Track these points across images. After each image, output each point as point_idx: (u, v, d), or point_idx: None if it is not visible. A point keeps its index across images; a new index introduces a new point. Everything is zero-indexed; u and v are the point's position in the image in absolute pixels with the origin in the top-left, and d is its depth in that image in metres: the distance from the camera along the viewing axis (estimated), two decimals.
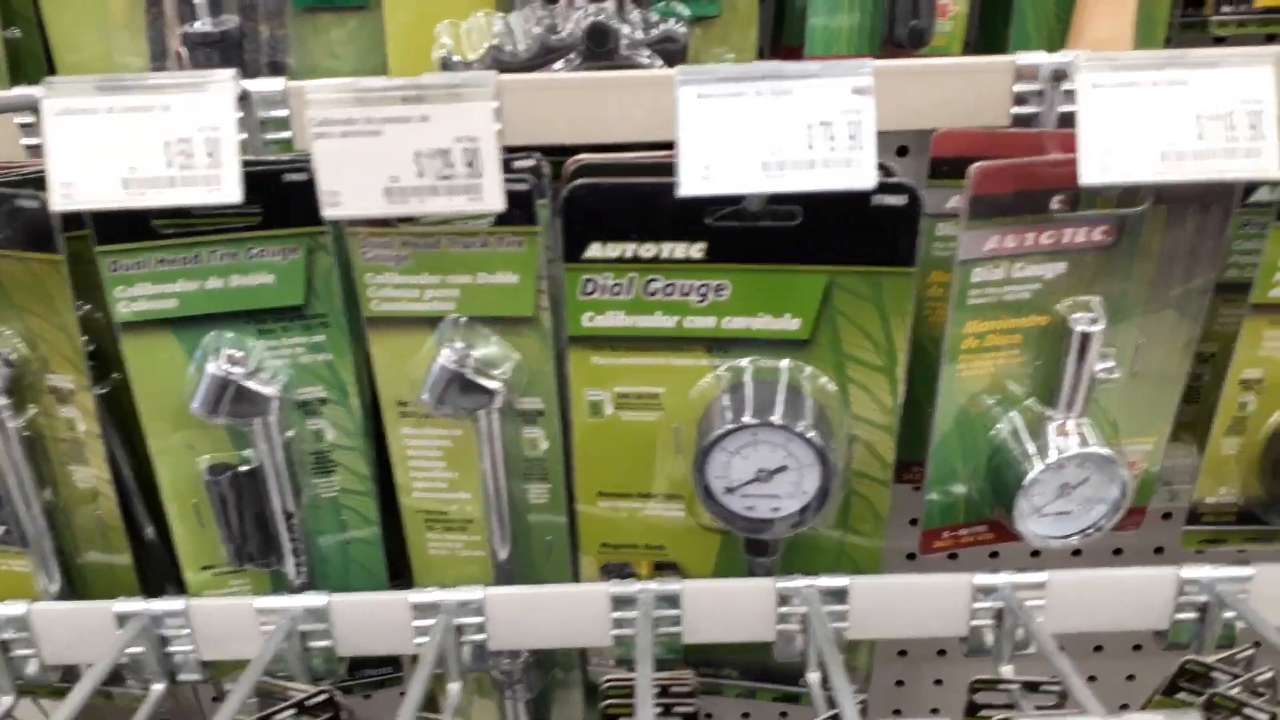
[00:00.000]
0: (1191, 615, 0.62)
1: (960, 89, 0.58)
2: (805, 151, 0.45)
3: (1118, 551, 0.88)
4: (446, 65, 0.64)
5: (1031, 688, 0.61)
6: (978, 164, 0.52)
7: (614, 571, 0.65)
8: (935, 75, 0.58)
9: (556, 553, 0.65)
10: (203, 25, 0.66)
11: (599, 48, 0.62)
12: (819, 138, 0.45)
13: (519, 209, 0.54)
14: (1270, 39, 0.85)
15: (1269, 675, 0.60)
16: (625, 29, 0.63)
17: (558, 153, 0.58)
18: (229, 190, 0.47)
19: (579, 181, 0.53)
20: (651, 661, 0.61)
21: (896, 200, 0.53)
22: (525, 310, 0.57)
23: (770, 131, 0.45)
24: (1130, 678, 0.99)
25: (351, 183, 0.47)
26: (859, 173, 0.45)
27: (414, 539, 0.65)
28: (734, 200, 0.54)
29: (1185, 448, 0.67)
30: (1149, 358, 0.59)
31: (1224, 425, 0.60)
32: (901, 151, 0.75)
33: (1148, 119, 0.45)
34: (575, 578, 0.66)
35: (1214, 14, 0.75)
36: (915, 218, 0.53)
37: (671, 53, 0.64)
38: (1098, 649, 0.98)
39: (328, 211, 0.49)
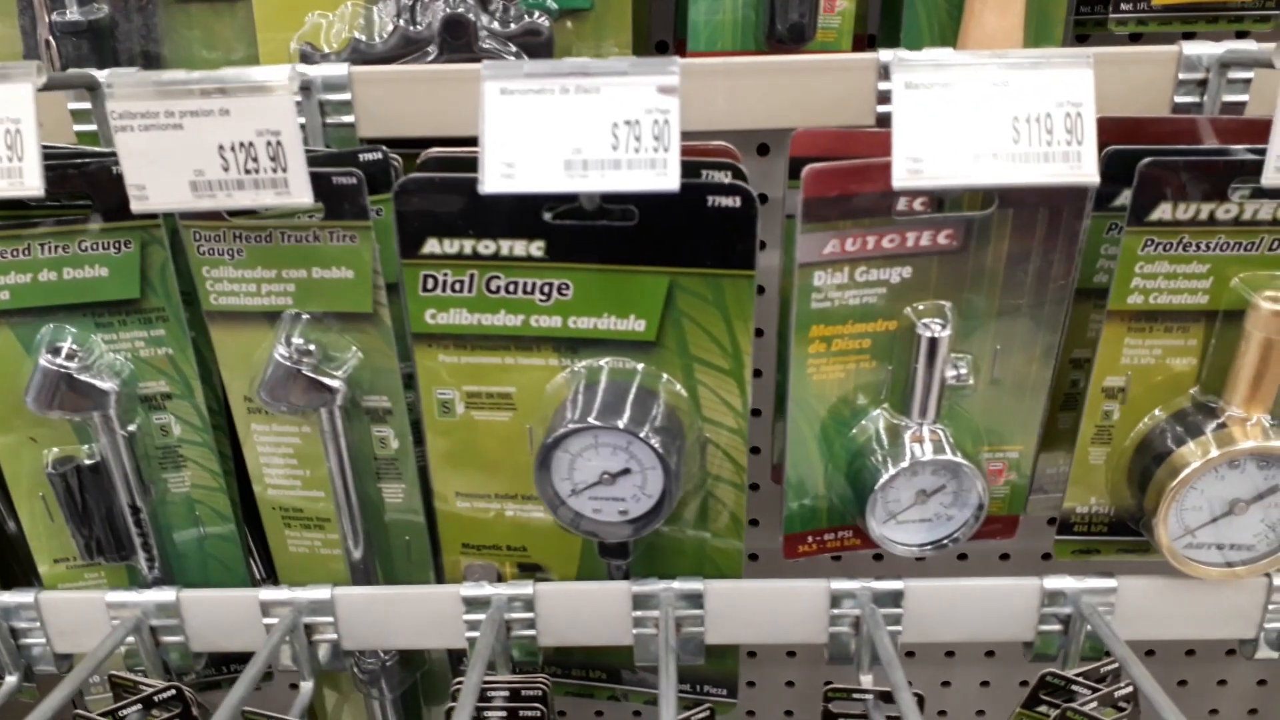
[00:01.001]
0: (1056, 627, 0.61)
1: (821, 87, 0.57)
2: (609, 151, 0.44)
3: (1004, 557, 0.87)
4: (305, 57, 0.63)
5: (886, 698, 0.60)
6: (809, 166, 0.51)
7: (476, 573, 0.65)
8: (792, 73, 0.57)
9: (416, 553, 0.64)
10: (72, 14, 0.66)
11: (456, 40, 0.61)
12: (624, 137, 0.44)
13: (348, 203, 0.53)
14: (1187, 36, 0.83)
15: (1129, 690, 0.59)
16: (486, 22, 0.62)
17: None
18: (31, 182, 0.46)
19: (409, 176, 0.52)
20: (499, 663, 0.61)
21: (731, 202, 0.51)
22: (363, 306, 0.56)
23: (575, 130, 0.44)
24: (984, 683, 0.99)
25: (157, 176, 0.46)
26: (663, 174, 0.44)
27: (273, 536, 0.64)
28: (571, 198, 0.53)
29: (1064, 456, 0.66)
30: (1008, 364, 0.58)
31: (1089, 434, 0.59)
32: (762, 150, 0.74)
33: (964, 121, 0.44)
34: (439, 578, 0.65)
35: (1113, 11, 0.74)
36: (751, 220, 0.52)
37: (535, 46, 0.63)
38: (949, 654, 0.98)
39: (135, 205, 0.48)
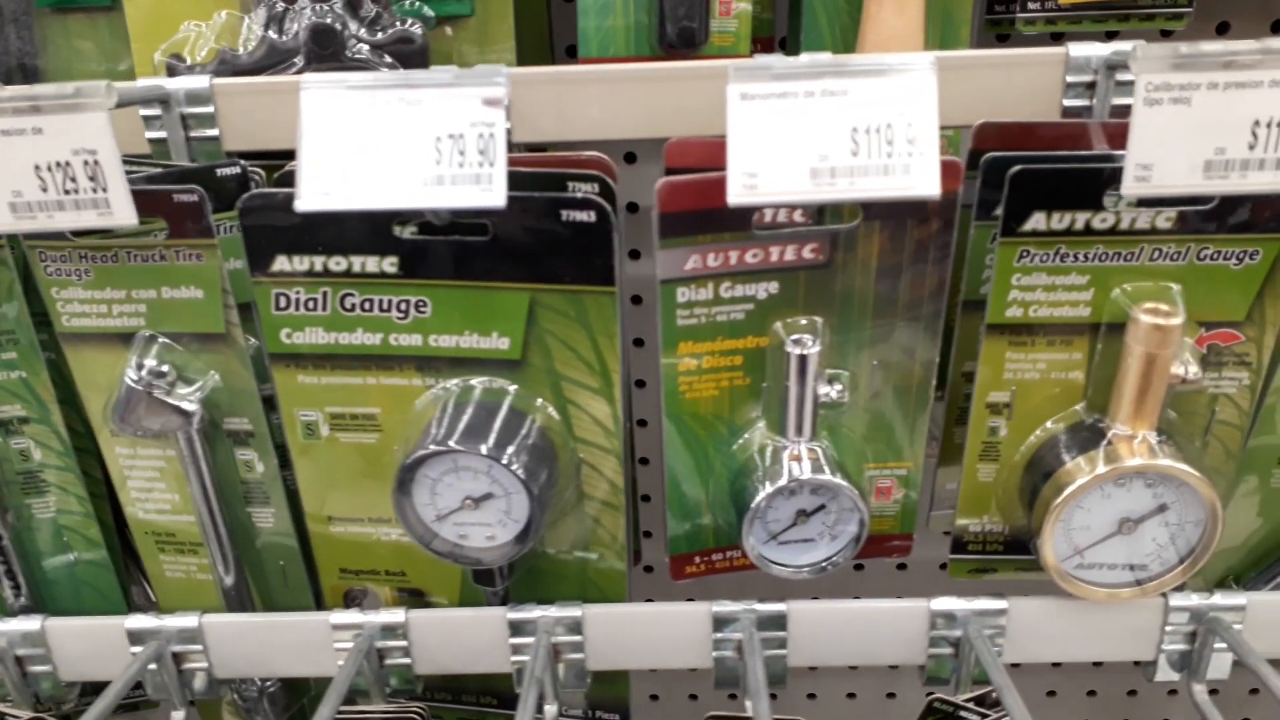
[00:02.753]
0: (947, 650, 0.59)
1: (686, 94, 0.55)
2: (433, 167, 0.42)
3: (943, 566, 0.85)
4: (171, 69, 0.61)
5: None
6: (664, 180, 0.49)
7: (355, 598, 0.63)
8: (644, 81, 0.55)
9: (293, 578, 0.62)
10: None
11: (323, 50, 0.59)
12: (447, 152, 0.42)
13: (191, 221, 0.51)
14: (1110, 35, 0.82)
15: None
16: (356, 30, 0.60)
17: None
18: None
19: (253, 192, 0.50)
20: (373, 692, 0.59)
21: (586, 216, 0.50)
22: (215, 326, 0.54)
23: (397, 145, 0.42)
24: (891, 695, 0.97)
25: None
26: (488, 190, 0.42)
27: (149, 560, 0.63)
28: (421, 212, 0.51)
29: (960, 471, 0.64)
30: (888, 380, 0.56)
31: (976, 451, 0.57)
32: (629, 159, 0.72)
33: (800, 133, 0.42)
34: (319, 604, 0.64)
35: (1020, 11, 0.72)
36: (608, 235, 0.50)
37: (408, 54, 0.61)
38: (853, 668, 0.96)
39: None
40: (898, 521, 0.61)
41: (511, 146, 0.57)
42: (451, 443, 0.52)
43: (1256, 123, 0.43)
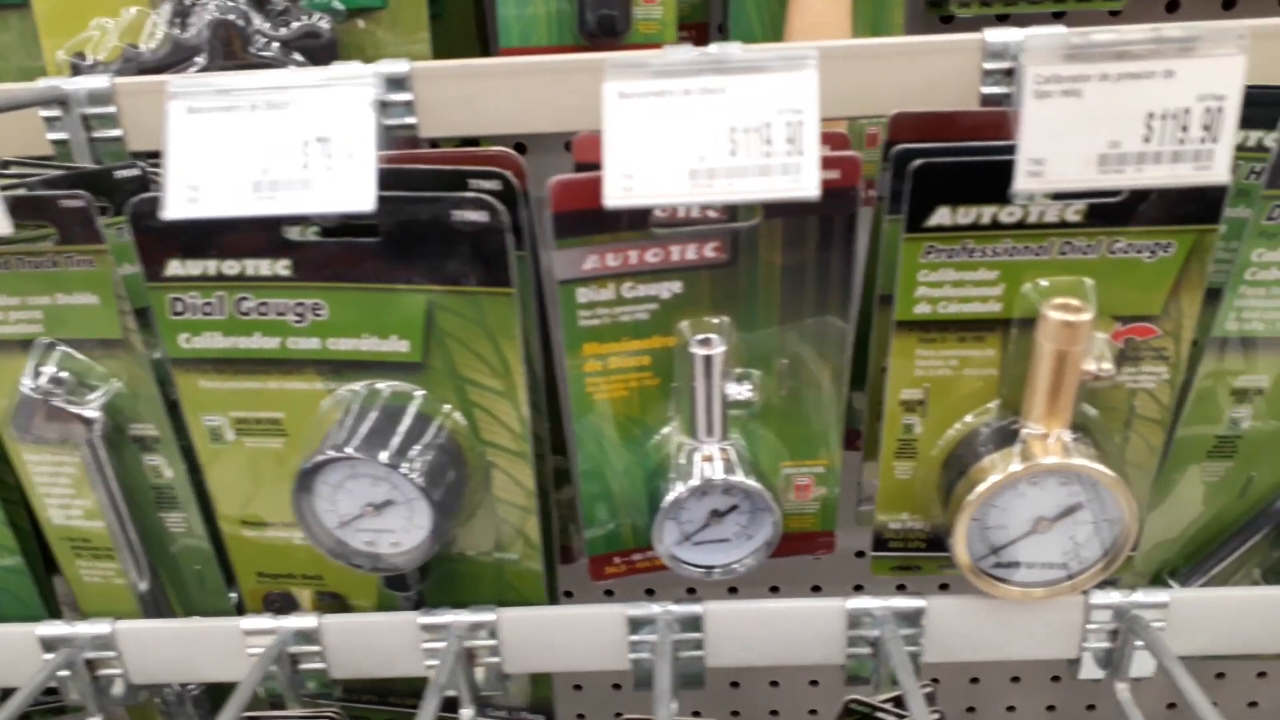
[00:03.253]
0: (866, 650, 0.58)
1: (587, 87, 0.53)
2: (300, 170, 0.41)
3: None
4: (76, 68, 0.60)
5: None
6: (555, 178, 0.48)
7: (274, 602, 0.62)
8: (551, 73, 0.53)
9: (210, 582, 0.62)
10: None
11: (226, 46, 0.58)
12: (315, 154, 0.41)
13: (79, 226, 0.50)
14: (1058, 16, 0.80)
15: (936, 717, 0.56)
16: (260, 25, 0.59)
17: None
18: None
19: (141, 196, 0.49)
20: (288, 696, 0.59)
21: (479, 216, 0.48)
22: (113, 332, 0.53)
23: (262, 148, 0.41)
24: (813, 712, 0.97)
25: None
26: (355, 192, 0.41)
27: (66, 566, 0.62)
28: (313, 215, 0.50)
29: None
30: (799, 378, 0.55)
31: (892, 449, 0.56)
32: (520, 148, 0.70)
33: (679, 132, 0.41)
34: (240, 609, 0.63)
35: None
36: (502, 235, 0.49)
37: (315, 49, 0.60)
38: (774, 684, 0.96)
39: None
40: (818, 519, 0.60)
41: (418, 143, 0.57)
42: (349, 449, 0.51)
43: (1151, 114, 0.41)
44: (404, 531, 0.54)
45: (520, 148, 0.80)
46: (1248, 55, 0.40)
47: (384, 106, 0.54)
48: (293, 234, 0.50)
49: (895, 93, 0.53)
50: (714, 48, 0.41)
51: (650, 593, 0.58)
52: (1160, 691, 1.08)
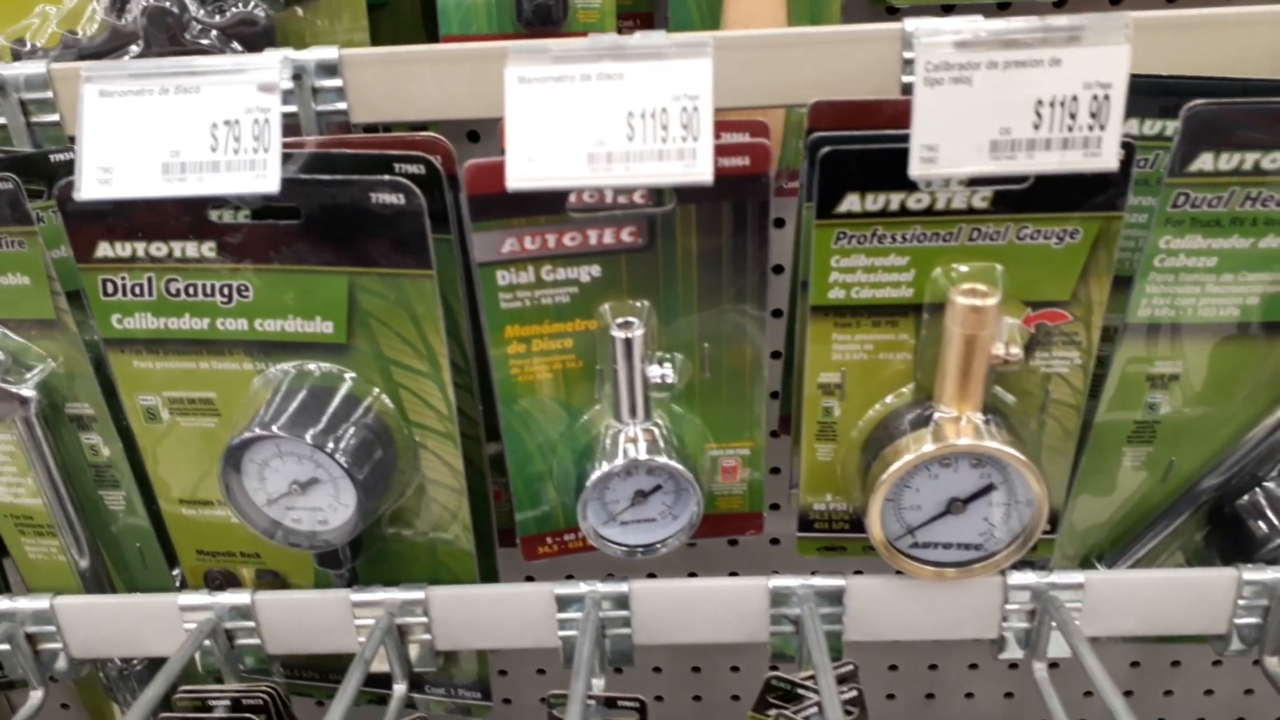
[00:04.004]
0: (789, 628, 0.59)
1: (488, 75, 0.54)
2: (208, 153, 0.42)
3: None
4: (16, 55, 0.61)
5: (610, 704, 0.58)
6: (470, 162, 0.49)
7: (215, 580, 0.63)
8: (479, 60, 0.54)
9: (150, 559, 0.63)
10: None
11: (161, 33, 0.59)
12: (224, 138, 0.42)
13: (9, 209, 0.51)
14: (1003, 7, 0.80)
15: (853, 694, 0.57)
16: (196, 12, 0.60)
17: None
18: None
19: (66, 180, 0.50)
20: (225, 672, 0.60)
21: (395, 199, 0.49)
22: (45, 312, 0.54)
23: (173, 132, 0.42)
24: (735, 698, 0.99)
25: None
26: (262, 176, 0.42)
27: (10, 543, 0.63)
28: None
29: None
30: (721, 361, 0.56)
31: (812, 431, 0.57)
32: (473, 137, 0.71)
33: (577, 117, 0.42)
34: (183, 587, 0.64)
35: None
36: (420, 218, 0.50)
37: (251, 36, 0.61)
38: (696, 669, 0.97)
39: None
40: (746, 500, 0.61)
41: (348, 128, 0.58)
42: (274, 428, 0.52)
43: (1040, 102, 0.42)
44: (330, 509, 0.55)
45: (475, 135, 0.81)
46: (1132, 44, 0.41)
47: (315, 93, 0.55)
48: (217, 216, 0.51)
49: (818, 82, 0.54)
50: (608, 37, 0.42)
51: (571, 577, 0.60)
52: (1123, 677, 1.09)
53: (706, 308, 0.54)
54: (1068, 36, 0.41)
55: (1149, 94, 0.51)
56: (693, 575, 1.00)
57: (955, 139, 0.42)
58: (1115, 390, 0.56)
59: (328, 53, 0.54)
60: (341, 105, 0.56)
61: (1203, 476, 0.59)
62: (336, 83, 0.55)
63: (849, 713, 0.57)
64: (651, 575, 0.66)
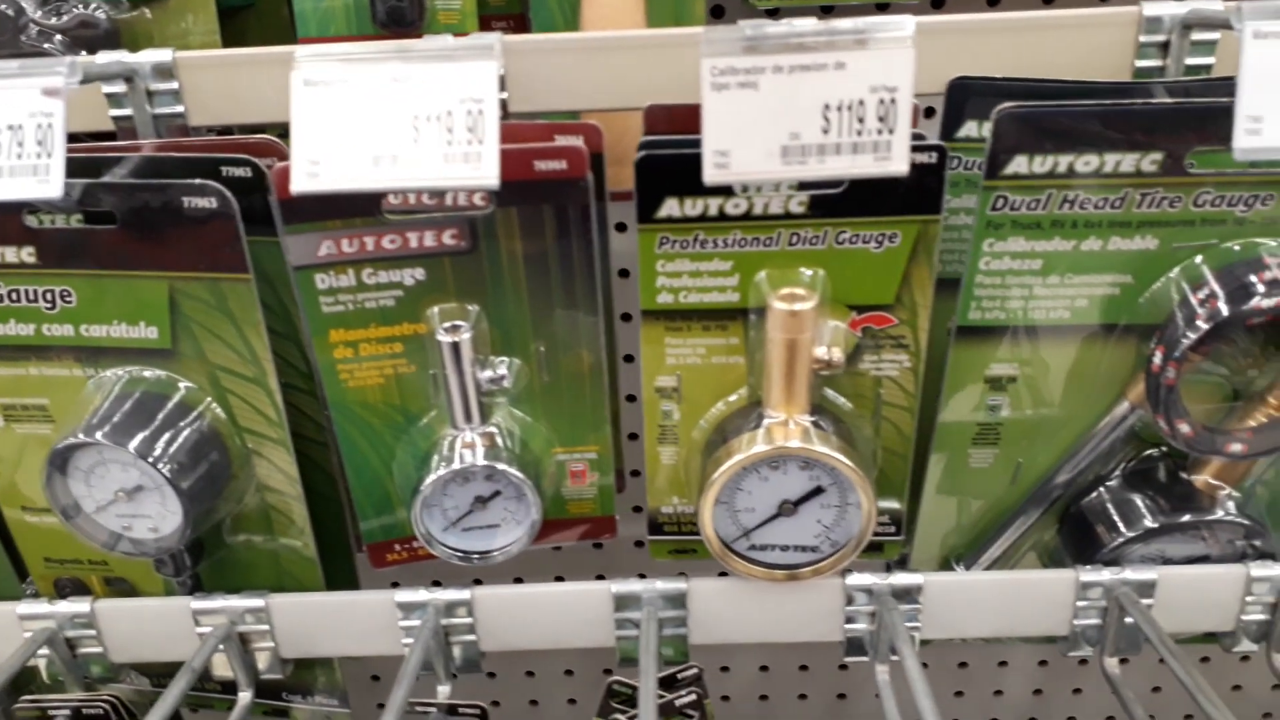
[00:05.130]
0: (633, 632, 0.59)
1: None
2: None
3: None
4: None
5: (451, 710, 0.58)
6: (277, 165, 0.48)
7: (64, 588, 0.63)
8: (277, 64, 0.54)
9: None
10: None
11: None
12: (8, 143, 0.42)
13: None
14: (881, 8, 0.81)
15: (692, 698, 0.57)
16: (34, 14, 0.59)
17: None
18: None
19: None
20: (68, 681, 0.59)
21: (208, 203, 0.49)
22: None
23: None
24: (572, 701, 0.99)
25: None
26: (45, 182, 0.41)
27: None
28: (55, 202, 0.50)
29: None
30: (558, 365, 0.55)
31: (654, 435, 0.57)
32: None
33: (363, 120, 0.41)
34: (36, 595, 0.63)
35: None
36: (233, 220, 0.49)
37: (92, 39, 0.60)
38: (529, 673, 0.98)
39: None
40: (597, 504, 0.61)
41: (186, 130, 0.57)
42: (98, 435, 0.52)
43: (827, 106, 0.42)
44: (160, 517, 0.54)
45: None
46: (916, 48, 0.41)
47: (150, 95, 0.55)
48: (36, 221, 0.51)
49: (653, 84, 0.54)
50: (396, 41, 0.42)
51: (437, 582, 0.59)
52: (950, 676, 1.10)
53: (538, 311, 0.53)
54: (854, 40, 0.41)
55: (987, 96, 0.51)
56: (600, 578, 1.01)
57: (746, 144, 0.42)
58: (954, 393, 0.57)
59: (162, 55, 0.54)
60: (179, 108, 0.55)
61: (1048, 477, 0.60)
62: (173, 85, 0.55)
63: (688, 716, 0.57)
64: (560, 578, 0.65)
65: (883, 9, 0.80)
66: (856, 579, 0.58)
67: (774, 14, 0.81)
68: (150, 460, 0.52)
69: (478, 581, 0.60)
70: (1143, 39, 0.54)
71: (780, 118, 0.42)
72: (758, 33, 0.41)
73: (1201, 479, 0.58)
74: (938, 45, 0.53)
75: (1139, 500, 0.59)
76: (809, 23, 0.42)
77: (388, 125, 0.42)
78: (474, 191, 0.46)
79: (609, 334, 0.60)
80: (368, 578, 0.64)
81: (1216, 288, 0.51)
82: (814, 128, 0.42)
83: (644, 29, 0.65)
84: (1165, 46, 0.54)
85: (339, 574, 0.65)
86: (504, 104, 0.54)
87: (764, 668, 1.05)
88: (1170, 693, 1.06)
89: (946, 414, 0.57)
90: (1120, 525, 0.58)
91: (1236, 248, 0.52)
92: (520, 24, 0.77)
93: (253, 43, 0.69)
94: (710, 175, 0.43)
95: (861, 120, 0.42)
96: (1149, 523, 0.57)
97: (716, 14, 0.80)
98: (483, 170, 0.41)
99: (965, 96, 0.53)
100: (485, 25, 0.74)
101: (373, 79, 0.41)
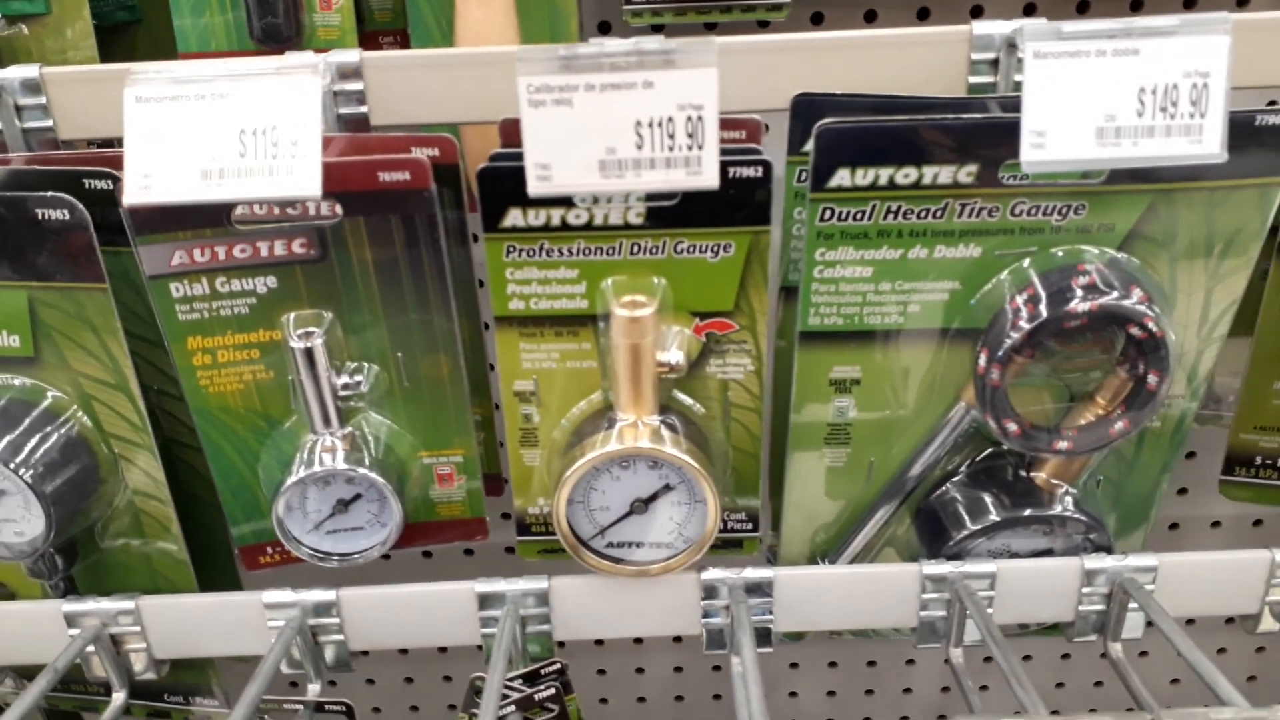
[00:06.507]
0: (492, 630, 0.61)
1: None
2: None
3: None
4: None
5: (319, 708, 0.59)
6: (124, 177, 0.50)
7: None
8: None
9: None
10: None
11: None
12: None
13: None
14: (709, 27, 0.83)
15: (550, 692, 0.59)
16: None
17: None
18: None
19: None
20: None
21: (61, 214, 0.50)
22: None
23: None
24: (451, 706, 1.02)
25: None
26: None
27: None
28: None
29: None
30: (418, 370, 0.57)
31: (515, 438, 0.59)
32: None
33: (192, 135, 0.43)
34: None
35: (626, 4, 0.73)
36: (86, 231, 0.51)
37: None
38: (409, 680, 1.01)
39: None
40: (466, 506, 0.63)
41: (57, 144, 0.58)
42: None
43: (639, 123, 0.44)
44: (24, 521, 0.55)
45: None
46: (718, 68, 0.43)
47: (19, 110, 0.56)
48: None
49: (509, 98, 0.56)
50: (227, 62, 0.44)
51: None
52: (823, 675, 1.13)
53: (393, 318, 0.55)
54: (661, 60, 0.44)
55: (830, 112, 0.53)
56: None
57: (565, 158, 0.45)
58: (802, 395, 0.59)
59: (29, 71, 0.55)
60: (48, 122, 0.56)
61: (897, 475, 0.62)
62: (40, 100, 0.56)
63: (548, 709, 0.59)
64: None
65: (764, 26, 0.82)
66: (712, 574, 0.60)
67: (659, 29, 0.83)
68: (11, 466, 0.53)
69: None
70: (974, 56, 0.56)
71: (596, 133, 0.44)
72: (570, 52, 0.44)
73: (1041, 476, 0.60)
74: (785, 63, 0.56)
75: (983, 496, 0.61)
76: (620, 43, 0.44)
77: (216, 140, 0.43)
78: (295, 203, 0.48)
79: (477, 341, 0.62)
80: (277, 579, 0.65)
81: (1037, 292, 0.54)
82: (628, 143, 0.45)
83: (511, 45, 0.67)
84: (996, 64, 0.57)
85: (223, 576, 0.66)
86: (367, 117, 0.56)
87: (831, 663, 1.07)
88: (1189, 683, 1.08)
89: (798, 415, 0.60)
90: (963, 520, 0.61)
91: (1060, 254, 0.55)
92: (405, 39, 0.79)
93: (140, 58, 0.71)
94: (534, 187, 0.46)
95: (672, 136, 0.45)
96: (990, 518, 0.60)
97: (604, 29, 0.83)
98: (304, 182, 0.43)
99: (809, 112, 0.56)
100: (372, 41, 0.76)
101: (202, 96, 0.43)
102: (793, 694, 1.14)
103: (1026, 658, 1.14)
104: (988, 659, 1.12)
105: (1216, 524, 1.00)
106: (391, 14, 0.76)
